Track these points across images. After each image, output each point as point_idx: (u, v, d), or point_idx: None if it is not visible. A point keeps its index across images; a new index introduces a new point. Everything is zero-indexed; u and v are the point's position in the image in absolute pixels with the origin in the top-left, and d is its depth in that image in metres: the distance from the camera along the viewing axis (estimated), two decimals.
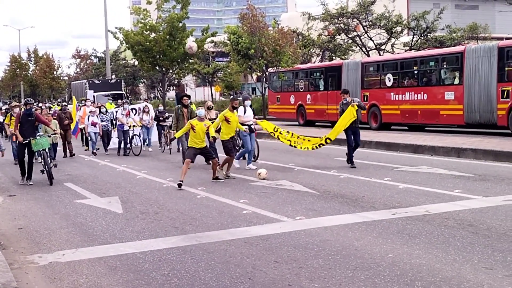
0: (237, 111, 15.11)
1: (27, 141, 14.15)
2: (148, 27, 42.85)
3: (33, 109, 14.82)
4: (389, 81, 26.69)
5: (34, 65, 76.21)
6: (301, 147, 15.97)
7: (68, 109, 23.65)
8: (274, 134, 16.21)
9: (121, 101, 24.01)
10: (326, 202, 10.57)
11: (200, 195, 11.76)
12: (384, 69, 27.59)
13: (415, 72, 25.84)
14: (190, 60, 46.43)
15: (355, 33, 40.83)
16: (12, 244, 8.40)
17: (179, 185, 12.72)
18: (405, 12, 48.05)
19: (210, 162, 14.42)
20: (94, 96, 38.99)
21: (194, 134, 13.44)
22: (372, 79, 28.26)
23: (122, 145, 21.22)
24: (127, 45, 44.44)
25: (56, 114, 21.83)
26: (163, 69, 44.69)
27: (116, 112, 22.36)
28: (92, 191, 12.97)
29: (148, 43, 42.49)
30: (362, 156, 16.94)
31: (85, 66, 72.19)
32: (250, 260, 7.09)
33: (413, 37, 40.13)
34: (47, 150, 14.55)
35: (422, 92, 24.56)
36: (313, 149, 16.08)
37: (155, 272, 6.75)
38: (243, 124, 15.51)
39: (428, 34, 39.24)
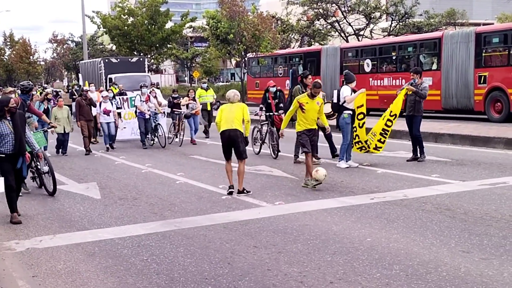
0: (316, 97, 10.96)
1: None
2: (126, 11, 42.45)
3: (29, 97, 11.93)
4: (368, 66, 26.79)
5: (10, 50, 75.15)
6: (373, 150, 13.09)
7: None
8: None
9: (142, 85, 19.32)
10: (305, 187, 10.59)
11: (179, 181, 11.72)
12: (363, 54, 27.68)
13: (394, 57, 25.98)
14: (169, 45, 46.14)
15: (334, 19, 40.89)
16: None
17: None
18: None
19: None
20: (111, 79, 30.60)
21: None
22: (351, 65, 28.34)
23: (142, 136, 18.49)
24: (104, 30, 44.01)
25: (58, 99, 18.22)
26: (141, 54, 44.38)
27: (122, 98, 20.15)
28: (70, 177, 12.86)
29: (126, 28, 42.10)
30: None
31: (62, 51, 71.26)
32: (229, 245, 7.09)
33: (391, 23, 40.29)
34: (42, 149, 11.60)
35: (400, 78, 24.67)
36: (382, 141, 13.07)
37: (134, 258, 6.72)
38: (346, 109, 12.70)
39: (407, 20, 39.43)
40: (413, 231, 7.41)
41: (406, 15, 39.14)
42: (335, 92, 13.09)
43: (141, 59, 36.69)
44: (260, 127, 15.31)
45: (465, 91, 22.08)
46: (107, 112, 17.83)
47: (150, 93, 18.68)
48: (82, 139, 17.38)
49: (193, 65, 65.82)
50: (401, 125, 19.66)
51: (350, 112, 12.67)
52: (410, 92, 13.00)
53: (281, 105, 15.25)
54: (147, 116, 18.11)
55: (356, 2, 39.21)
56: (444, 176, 11.10)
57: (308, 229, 7.70)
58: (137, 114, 18.61)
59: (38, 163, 10.94)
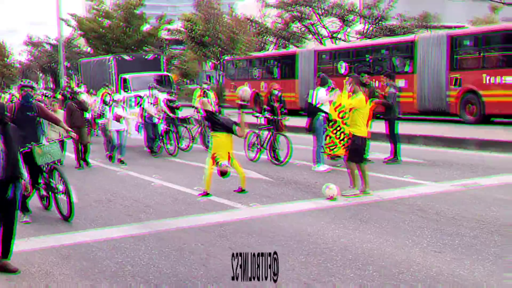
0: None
1: (27, 150, 8.57)
2: (102, 13, 42.21)
3: (33, 98, 9.40)
4: (342, 69, 26.97)
5: None
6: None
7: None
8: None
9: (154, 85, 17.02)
10: (280, 189, 10.66)
11: (154, 183, 11.70)
12: (338, 57, 27.87)
13: (368, 60, 26.19)
14: (145, 47, 45.93)
15: (309, 21, 41.07)
16: None
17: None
18: (358, 1, 48.51)
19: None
20: (127, 80, 26.64)
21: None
22: (326, 67, 28.50)
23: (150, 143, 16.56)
24: (80, 31, 43.70)
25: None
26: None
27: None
28: None
29: (101, 30, 41.84)
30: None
31: (38, 53, 70.41)
32: (205, 247, 7.12)
33: (366, 26, 40.61)
34: (58, 163, 9.62)
35: (374, 80, 24.84)
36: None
37: (109, 260, 6.72)
38: (321, 111, 12.60)
39: (380, 22, 39.77)
40: (386, 232, 7.51)
41: (380, 18, 39.45)
42: (311, 92, 13.09)
43: (157, 56, 32.67)
44: (258, 132, 14.23)
45: (439, 94, 22.33)
46: (118, 118, 15.06)
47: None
48: (74, 149, 15.00)
49: (170, 67, 65.59)
50: (375, 126, 19.83)
51: (324, 114, 12.42)
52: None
53: (285, 110, 14.37)
54: (156, 121, 16.07)
55: (331, 4, 39.44)
56: (417, 177, 11.24)
57: (283, 230, 7.75)
58: (145, 118, 16.36)
59: (51, 180, 9.05)
